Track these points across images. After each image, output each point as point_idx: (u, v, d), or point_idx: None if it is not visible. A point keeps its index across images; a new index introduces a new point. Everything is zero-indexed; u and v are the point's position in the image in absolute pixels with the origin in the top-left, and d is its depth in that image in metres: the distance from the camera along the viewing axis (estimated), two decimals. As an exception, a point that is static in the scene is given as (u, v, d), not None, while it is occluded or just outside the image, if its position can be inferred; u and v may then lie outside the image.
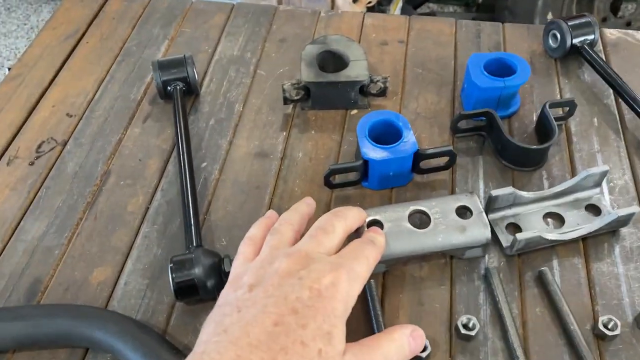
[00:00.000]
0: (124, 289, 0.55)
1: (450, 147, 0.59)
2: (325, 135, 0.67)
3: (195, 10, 0.84)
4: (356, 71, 0.67)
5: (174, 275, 0.51)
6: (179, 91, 0.68)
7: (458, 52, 0.77)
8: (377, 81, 0.68)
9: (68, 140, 0.68)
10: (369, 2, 1.82)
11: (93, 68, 0.76)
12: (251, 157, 0.65)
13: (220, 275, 0.52)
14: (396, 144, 0.57)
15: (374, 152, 0.57)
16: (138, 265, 0.56)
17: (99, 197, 0.62)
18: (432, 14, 2.25)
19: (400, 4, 1.89)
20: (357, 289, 0.44)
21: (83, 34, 0.81)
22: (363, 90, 0.69)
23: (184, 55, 0.70)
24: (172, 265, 0.52)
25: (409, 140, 0.58)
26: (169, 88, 0.69)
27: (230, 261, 0.53)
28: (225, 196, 0.62)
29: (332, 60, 0.70)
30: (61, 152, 0.66)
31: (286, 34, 0.80)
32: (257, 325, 0.39)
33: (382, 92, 0.69)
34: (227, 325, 0.40)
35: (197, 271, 0.51)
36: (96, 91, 0.73)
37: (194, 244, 0.55)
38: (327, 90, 0.67)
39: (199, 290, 0.51)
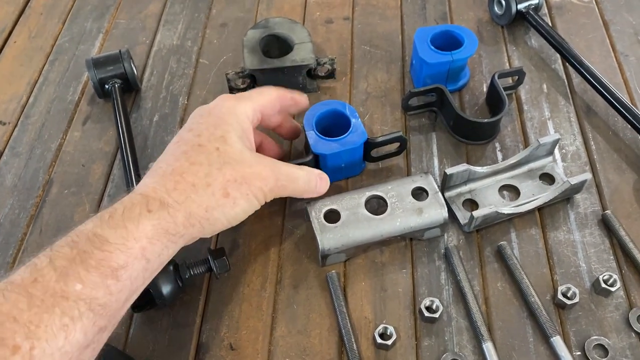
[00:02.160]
0: (78, 305, 0.52)
1: (400, 133, 0.57)
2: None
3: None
4: (302, 54, 0.65)
5: (127, 287, 0.49)
6: (117, 89, 0.65)
7: (405, 26, 0.75)
8: (324, 63, 0.66)
9: (4, 151, 0.64)
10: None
11: (24, 70, 0.72)
12: (200, 153, 0.63)
13: (176, 281, 0.50)
14: (345, 135, 0.56)
15: (324, 146, 0.55)
16: (90, 278, 0.54)
17: (42, 209, 0.59)
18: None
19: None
20: (245, 106, 0.50)
21: (10, 33, 0.76)
22: (311, 73, 0.66)
23: (120, 51, 0.66)
24: (124, 276, 0.49)
25: (358, 130, 0.56)
26: (106, 86, 0.65)
27: (187, 267, 0.51)
28: (177, 196, 0.59)
29: (276, 45, 0.68)
30: (-3, 164, 0.63)
31: (227, 18, 0.77)
32: (167, 151, 0.48)
33: (331, 74, 0.67)
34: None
35: (152, 281, 0.49)
36: (30, 95, 0.69)
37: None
38: (273, 77, 0.65)
39: (155, 300, 0.49)
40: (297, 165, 0.51)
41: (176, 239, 0.43)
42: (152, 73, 0.71)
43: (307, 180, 0.51)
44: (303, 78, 0.66)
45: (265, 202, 0.48)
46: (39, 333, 0.34)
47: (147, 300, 0.50)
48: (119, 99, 0.64)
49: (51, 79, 0.71)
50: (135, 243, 0.40)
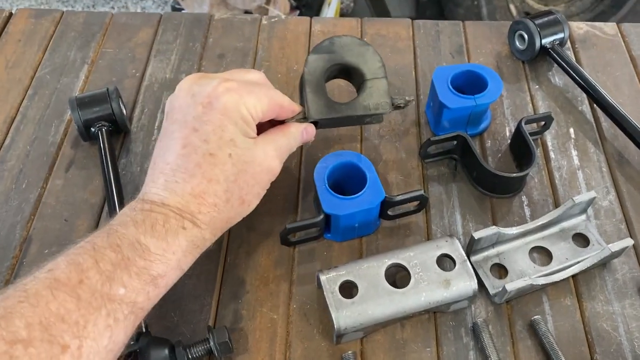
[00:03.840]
0: (59, 390, 0.46)
1: (422, 192, 0.52)
2: (281, 171, 0.59)
3: (117, 25, 0.73)
4: (375, 98, 0.53)
5: (117, 377, 0.43)
6: (104, 133, 0.58)
7: (418, 59, 0.69)
8: (399, 105, 0.55)
9: (-24, 202, 0.57)
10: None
11: (0, 105, 0.65)
12: (197, 206, 0.56)
13: (173, 366, 0.44)
14: (360, 193, 0.50)
15: (337, 206, 0.50)
16: None
17: (19, 272, 0.52)
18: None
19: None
20: (250, 104, 0.46)
21: (-16, 63, 0.69)
22: None
23: (107, 89, 0.60)
24: (114, 364, 0.43)
25: (374, 187, 0.51)
26: (92, 129, 0.59)
27: (184, 349, 0.45)
28: (171, 258, 0.53)
29: (341, 74, 0.56)
30: (-32, 217, 0.56)
31: (225, 48, 0.71)
32: (170, 152, 0.45)
33: (400, 108, 0.55)
34: (154, 158, 0.47)
35: (145, 369, 0.43)
36: (6, 135, 0.62)
37: (139, 331, 0.46)
38: (339, 122, 0.54)
39: (149, 391, 0.43)
40: (290, 127, 0.51)
41: (202, 250, 0.45)
42: (142, 111, 0.64)
43: (299, 140, 0.51)
44: (372, 119, 0.55)
45: None
46: (86, 332, 0.36)
47: (139, 390, 0.44)
48: (106, 144, 0.58)
49: (30, 117, 0.64)
50: (173, 255, 0.42)
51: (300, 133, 0.51)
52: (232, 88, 0.46)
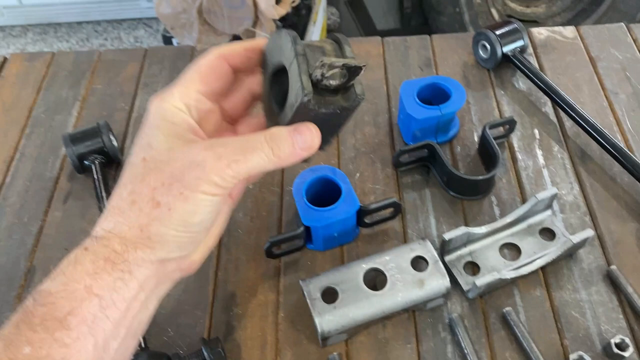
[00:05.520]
0: (68, 407, 0.49)
1: (394, 199, 0.56)
2: (264, 188, 0.63)
3: (105, 62, 0.77)
4: (294, 89, 0.41)
5: (119, 390, 0.46)
6: (97, 165, 0.62)
7: (389, 75, 0.73)
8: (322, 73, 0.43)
9: (-19, 238, 0.61)
10: (293, 2, 1.76)
11: (-1, 146, 0.69)
12: (188, 227, 0.60)
13: (170, 378, 0.48)
14: (336, 204, 0.54)
15: (314, 217, 0.54)
16: (80, 376, 0.51)
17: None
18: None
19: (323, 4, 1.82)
20: (170, 97, 0.42)
21: (-18, 107, 0.73)
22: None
23: (98, 124, 0.64)
24: (115, 379, 0.47)
25: (349, 198, 0.55)
26: (86, 162, 0.63)
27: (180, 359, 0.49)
28: (166, 278, 0.57)
29: (284, 79, 0.52)
30: (-25, 253, 0.60)
31: (207, 77, 0.75)
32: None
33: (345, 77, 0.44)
34: None
35: (144, 380, 0.47)
36: (6, 173, 0.66)
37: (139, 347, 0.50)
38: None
39: (148, 402, 0.47)
40: (259, 132, 0.42)
41: (128, 267, 0.38)
42: (133, 142, 0.68)
43: (273, 144, 0.41)
44: None
45: (235, 184, 0.40)
46: None
47: (140, 401, 0.47)
48: (99, 175, 0.62)
49: (28, 155, 0.68)
50: (77, 284, 0.37)
51: (273, 142, 0.41)
52: (155, 97, 0.43)
